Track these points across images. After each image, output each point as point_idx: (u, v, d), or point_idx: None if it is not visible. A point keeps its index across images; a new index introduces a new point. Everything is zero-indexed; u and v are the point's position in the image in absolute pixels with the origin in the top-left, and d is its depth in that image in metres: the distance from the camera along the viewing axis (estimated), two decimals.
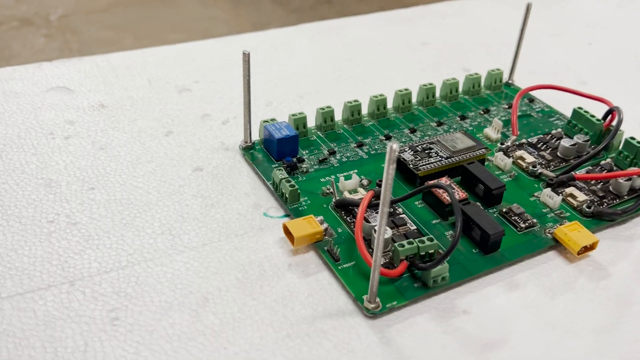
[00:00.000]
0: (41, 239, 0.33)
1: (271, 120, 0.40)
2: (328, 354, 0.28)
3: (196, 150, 0.40)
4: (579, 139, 0.40)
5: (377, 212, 0.34)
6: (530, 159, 0.39)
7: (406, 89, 0.44)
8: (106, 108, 0.44)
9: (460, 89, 0.47)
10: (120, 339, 0.28)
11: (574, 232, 0.34)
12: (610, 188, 0.37)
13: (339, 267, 0.32)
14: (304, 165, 0.39)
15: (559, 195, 0.36)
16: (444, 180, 0.36)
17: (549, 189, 0.37)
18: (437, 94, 0.46)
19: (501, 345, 0.29)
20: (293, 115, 0.41)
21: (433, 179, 0.37)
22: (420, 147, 0.39)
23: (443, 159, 0.38)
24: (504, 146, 0.41)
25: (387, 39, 0.56)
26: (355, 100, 0.43)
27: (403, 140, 0.41)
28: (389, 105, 0.44)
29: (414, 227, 0.34)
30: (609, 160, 0.40)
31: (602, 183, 0.38)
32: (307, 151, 0.40)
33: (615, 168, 0.39)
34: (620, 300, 0.31)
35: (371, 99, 0.43)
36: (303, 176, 0.38)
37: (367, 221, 0.33)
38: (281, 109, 0.45)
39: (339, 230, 0.34)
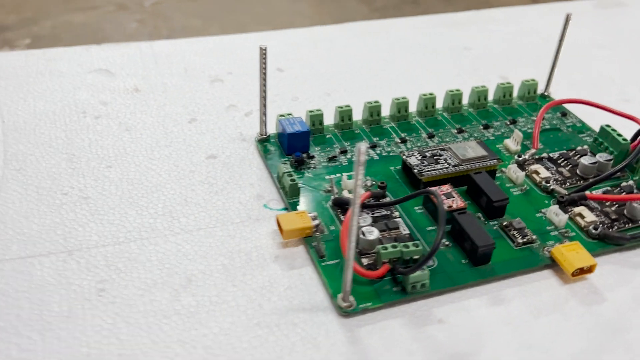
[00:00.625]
0: (52, 209, 0.35)
1: (287, 114, 0.41)
2: (293, 346, 0.28)
3: (214, 138, 0.41)
4: (601, 157, 0.39)
5: (368, 214, 0.35)
6: (545, 174, 0.38)
7: (431, 94, 0.44)
8: (139, 92, 0.46)
9: (491, 97, 0.46)
10: (101, 309, 0.29)
11: (571, 253, 0.32)
12: (625, 211, 0.36)
13: (322, 264, 0.32)
14: (312, 162, 0.39)
15: (567, 213, 0.35)
16: (446, 188, 0.35)
17: (556, 206, 0.35)
18: (466, 101, 0.45)
19: (469, 359, 0.28)
20: (310, 111, 0.41)
21: (437, 185, 0.36)
22: (429, 152, 0.38)
23: (450, 167, 0.37)
24: (520, 159, 0.40)
25: (430, 42, 0.56)
26: (375, 101, 0.43)
27: (419, 144, 0.41)
28: (412, 108, 0.44)
29: (407, 231, 0.34)
30: (631, 182, 0.38)
31: (617, 205, 0.36)
32: (319, 148, 0.40)
33: (635, 191, 0.37)
34: (609, 328, 0.30)
35: (393, 101, 0.43)
36: (309, 172, 0.38)
37: (376, 220, 0.34)
38: (305, 104, 0.46)
39: (332, 227, 0.34)
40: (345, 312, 0.30)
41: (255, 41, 0.54)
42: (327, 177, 0.38)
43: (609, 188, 0.38)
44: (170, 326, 0.29)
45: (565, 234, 0.34)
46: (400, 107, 0.43)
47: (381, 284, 0.31)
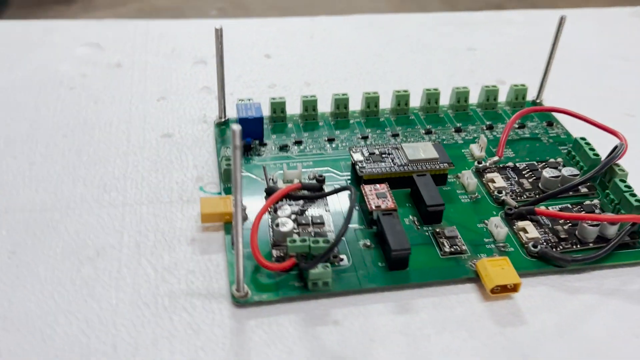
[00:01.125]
0: (4, 171, 0.36)
1: (247, 99, 0.40)
2: (173, 330, 0.28)
3: (177, 118, 0.41)
4: (566, 171, 0.35)
5: (291, 205, 0.33)
6: (500, 183, 0.35)
7: (405, 91, 0.42)
8: (121, 67, 0.46)
9: (477, 100, 0.43)
10: (4, 270, 0.30)
11: (496, 268, 0.30)
12: (576, 232, 0.33)
13: (232, 251, 0.31)
14: (263, 149, 0.38)
15: (512, 227, 0.33)
16: (382, 187, 0.34)
17: (498, 218, 0.33)
18: (448, 102, 0.43)
19: None
20: (272, 99, 0.41)
21: (378, 182, 0.35)
22: (379, 150, 0.36)
23: (394, 166, 0.35)
24: (480, 165, 0.37)
25: (433, 40, 0.53)
26: (343, 94, 0.41)
27: (380, 142, 0.39)
28: (387, 105, 0.42)
29: (332, 229, 0.33)
30: (595, 201, 0.35)
31: (570, 224, 0.33)
32: (275, 136, 0.39)
33: (597, 211, 0.34)
34: (516, 353, 0.27)
35: (364, 95, 0.42)
36: (256, 159, 0.38)
37: (302, 213, 0.32)
38: (281, 92, 0.45)
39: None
40: (238, 302, 0.29)
41: (252, 26, 0.54)
42: (272, 165, 0.37)
43: (569, 205, 0.35)
44: (62, 295, 0.29)
45: (503, 249, 0.32)
46: (370, 101, 0.41)
47: (286, 278, 0.30)
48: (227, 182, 0.35)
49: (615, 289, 0.31)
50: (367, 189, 0.33)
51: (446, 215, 0.34)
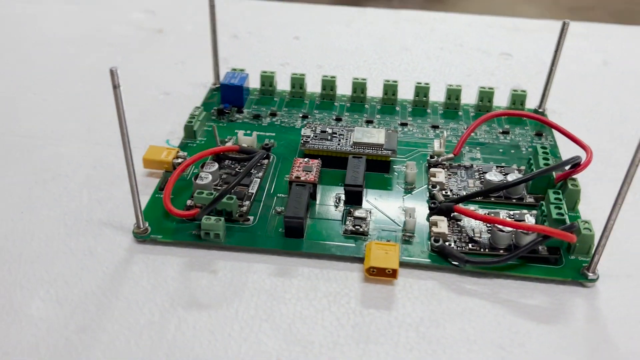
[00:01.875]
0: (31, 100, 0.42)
1: (240, 69, 0.43)
2: (73, 246, 0.31)
3: (183, 80, 0.45)
4: (511, 177, 0.34)
5: (233, 164, 0.35)
6: (440, 179, 0.35)
7: (394, 81, 0.42)
8: (161, 33, 0.51)
9: (473, 101, 0.42)
10: None
11: (380, 251, 0.30)
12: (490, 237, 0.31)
13: (156, 195, 0.34)
14: (238, 115, 0.41)
15: (427, 220, 0.32)
16: (313, 162, 0.35)
17: (414, 209, 0.32)
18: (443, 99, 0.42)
19: (202, 309, 0.28)
20: (263, 72, 0.43)
21: (317, 157, 0.36)
22: (331, 129, 0.37)
23: (336, 145, 0.36)
24: (433, 160, 0.36)
25: (471, 41, 0.52)
26: (332, 76, 0.42)
27: (350, 125, 0.40)
28: (375, 94, 0.43)
29: (254, 190, 0.34)
30: (534, 212, 0.33)
31: (489, 229, 0.32)
32: (257, 107, 0.42)
33: (529, 220, 0.32)
34: (362, 335, 0.27)
35: (353, 81, 0.42)
36: (225, 123, 0.40)
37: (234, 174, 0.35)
38: (289, 70, 0.47)
39: None
40: (136, 237, 0.32)
41: (291, 10, 0.56)
42: (237, 130, 0.39)
43: (509, 212, 0.33)
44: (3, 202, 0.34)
45: (407, 238, 0.32)
46: (357, 87, 0.42)
47: (189, 226, 0.32)
48: (188, 137, 0.38)
49: (506, 299, 0.29)
50: (298, 161, 0.35)
51: (371, 197, 0.34)
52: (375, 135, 0.37)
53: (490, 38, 0.53)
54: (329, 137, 0.37)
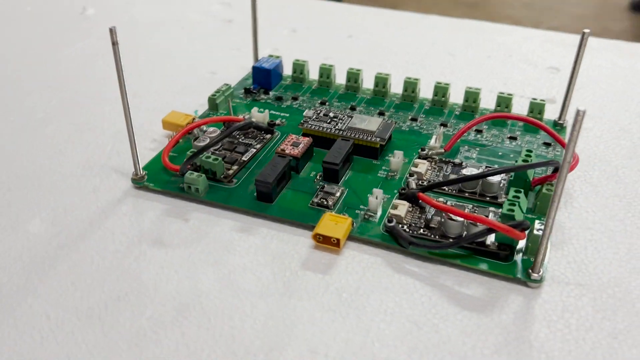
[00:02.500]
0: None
1: (276, 56, 0.46)
2: (77, 188, 0.36)
3: (232, 63, 0.49)
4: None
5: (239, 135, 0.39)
6: (421, 169, 0.36)
7: (416, 79, 0.43)
8: (231, 23, 0.56)
9: (491, 106, 0.42)
10: None
11: (331, 222, 0.32)
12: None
13: (171, 154, 0.38)
14: (263, 96, 0.44)
15: (393, 204, 0.34)
16: (303, 139, 0.37)
17: (380, 191, 0.34)
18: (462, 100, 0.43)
19: (162, 248, 0.32)
20: (296, 60, 0.46)
21: (316, 138, 0.38)
22: (333, 114, 0.39)
23: (332, 129, 0.38)
24: (423, 152, 0.37)
25: (505, 49, 0.51)
26: (357, 69, 0.45)
27: (365, 114, 0.42)
28: (399, 90, 0.44)
29: (247, 158, 0.37)
30: (498, 211, 0.33)
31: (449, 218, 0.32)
32: (284, 91, 0.45)
33: (493, 218, 0.32)
34: (293, 294, 0.29)
35: (376, 75, 0.44)
36: (249, 102, 0.44)
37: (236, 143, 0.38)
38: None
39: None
40: (133, 182, 0.36)
41: (351, 11, 0.59)
42: (259, 109, 0.42)
43: (470, 206, 0.33)
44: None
45: (366, 216, 0.33)
46: (379, 82, 0.44)
47: (180, 179, 0.36)
48: (211, 109, 0.42)
49: (441, 284, 0.30)
50: (290, 137, 0.37)
51: (352, 179, 0.36)
52: (371, 123, 0.38)
53: (544, 52, 0.52)
54: (328, 120, 0.39)
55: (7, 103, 0.45)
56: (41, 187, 0.36)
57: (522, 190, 0.32)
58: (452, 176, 0.36)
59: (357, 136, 0.38)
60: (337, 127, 0.38)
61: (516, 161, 0.36)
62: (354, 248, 0.32)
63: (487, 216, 0.32)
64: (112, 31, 0.31)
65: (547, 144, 0.39)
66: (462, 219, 0.31)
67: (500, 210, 0.33)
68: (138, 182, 0.36)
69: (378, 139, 0.37)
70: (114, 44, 0.31)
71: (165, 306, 0.29)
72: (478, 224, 0.30)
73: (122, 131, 0.41)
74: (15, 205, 0.35)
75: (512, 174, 0.34)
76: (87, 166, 0.38)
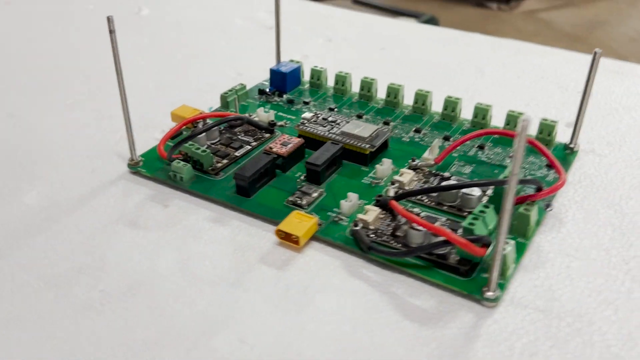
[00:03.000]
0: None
1: (297, 61, 0.47)
2: (78, 168, 0.38)
3: (260, 67, 0.50)
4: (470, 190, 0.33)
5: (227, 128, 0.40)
6: (404, 179, 0.35)
7: (427, 91, 0.43)
8: (271, 30, 0.58)
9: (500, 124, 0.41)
10: None
11: (295, 219, 0.32)
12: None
13: (170, 143, 0.40)
14: (277, 98, 0.45)
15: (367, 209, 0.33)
16: (293, 139, 0.37)
17: (356, 196, 0.33)
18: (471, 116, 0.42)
19: (135, 229, 0.33)
20: (314, 67, 0.46)
21: (308, 140, 0.38)
22: (330, 117, 0.40)
23: (325, 132, 0.38)
24: (414, 163, 0.37)
25: (522, 65, 0.49)
26: (372, 78, 0.44)
27: (371, 122, 0.42)
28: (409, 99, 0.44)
29: (240, 154, 0.38)
30: (463, 223, 0.31)
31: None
32: (297, 95, 0.46)
33: (460, 233, 0.31)
34: (240, 285, 0.30)
35: (389, 86, 0.44)
36: (262, 102, 0.45)
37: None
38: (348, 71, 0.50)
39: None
40: (128, 166, 0.38)
41: (385, 23, 0.59)
42: (265, 109, 0.43)
43: (442, 219, 0.32)
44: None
45: (336, 219, 0.33)
46: (391, 92, 0.44)
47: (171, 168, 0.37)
48: (223, 106, 0.44)
49: (392, 292, 0.29)
50: (282, 137, 0.38)
51: (336, 182, 0.36)
52: (365, 129, 0.38)
53: (579, 76, 0.49)
54: (325, 124, 0.39)
55: (47, 87, 0.48)
56: (48, 164, 0.39)
57: (493, 205, 0.31)
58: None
59: (348, 141, 0.37)
60: (331, 131, 0.38)
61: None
62: (316, 248, 0.32)
63: (456, 230, 0.31)
64: (110, 20, 0.33)
65: (549, 166, 0.37)
66: (424, 230, 0.30)
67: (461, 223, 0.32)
68: (133, 167, 0.38)
69: (367, 146, 0.37)
70: (111, 32, 0.33)
71: (119, 282, 0.30)
72: (439, 235, 0.30)
73: (136, 121, 0.43)
74: (19, 178, 0.37)
75: (493, 191, 0.33)
76: (94, 149, 0.40)
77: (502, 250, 0.27)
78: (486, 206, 0.31)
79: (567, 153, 0.39)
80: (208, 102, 0.45)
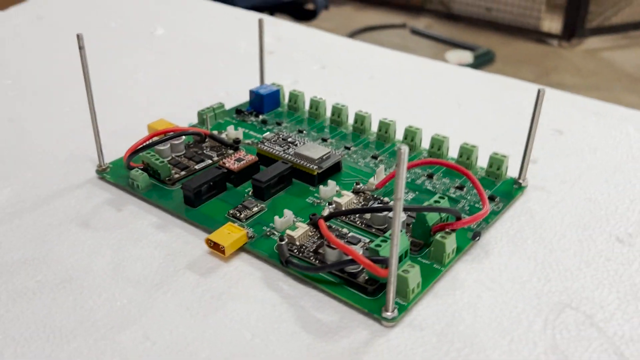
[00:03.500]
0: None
1: (278, 84, 0.49)
2: (52, 170, 0.42)
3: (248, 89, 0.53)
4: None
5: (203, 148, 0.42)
6: (342, 201, 0.36)
7: (391, 120, 0.44)
8: (272, 54, 0.60)
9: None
10: None
11: (225, 231, 0.34)
12: None
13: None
14: (252, 118, 0.47)
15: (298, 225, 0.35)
16: (249, 157, 0.40)
17: (290, 212, 0.35)
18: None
19: (85, 229, 0.36)
20: (293, 91, 0.49)
21: (266, 158, 0.40)
22: (291, 139, 0.42)
23: (280, 151, 0.40)
24: (358, 186, 0.38)
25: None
26: (342, 105, 0.46)
27: (334, 146, 0.43)
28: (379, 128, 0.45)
29: (199, 167, 0.40)
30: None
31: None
32: (274, 116, 0.48)
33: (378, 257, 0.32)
34: (160, 280, 0.32)
35: (356, 113, 0.45)
36: (237, 121, 0.47)
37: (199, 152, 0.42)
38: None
39: None
40: (96, 172, 0.41)
41: (374, 53, 0.60)
42: (239, 128, 0.46)
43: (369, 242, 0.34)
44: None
45: (268, 233, 0.35)
46: (358, 119, 0.45)
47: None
48: (200, 123, 0.46)
49: (298, 304, 0.31)
50: (239, 154, 0.40)
51: (281, 199, 0.38)
52: (317, 151, 0.40)
53: (558, 114, 0.50)
54: (283, 144, 0.41)
55: (51, 95, 0.52)
56: (27, 165, 0.42)
57: (404, 230, 0.32)
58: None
59: (298, 161, 0.39)
60: (286, 151, 0.40)
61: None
62: (243, 259, 0.34)
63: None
64: (79, 37, 0.36)
65: (492, 198, 0.38)
66: (338, 249, 0.32)
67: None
68: (99, 173, 0.41)
69: (315, 167, 0.39)
70: (81, 48, 0.37)
71: (55, 275, 0.33)
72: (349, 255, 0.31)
73: (118, 132, 0.46)
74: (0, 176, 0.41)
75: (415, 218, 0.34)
76: (73, 154, 0.44)
77: (395, 272, 0.28)
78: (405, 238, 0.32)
79: (514, 187, 0.40)
80: (190, 117, 0.48)
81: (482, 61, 1.92)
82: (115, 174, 0.41)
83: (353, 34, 2.08)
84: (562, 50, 2.07)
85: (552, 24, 2.10)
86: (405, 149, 0.25)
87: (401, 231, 0.32)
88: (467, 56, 1.95)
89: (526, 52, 2.06)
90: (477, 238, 0.35)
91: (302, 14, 1.77)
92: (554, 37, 2.08)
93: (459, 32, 2.18)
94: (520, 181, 0.40)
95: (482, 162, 0.41)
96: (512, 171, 0.40)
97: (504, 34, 2.17)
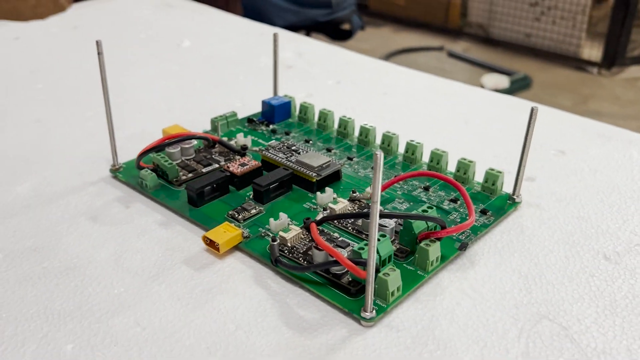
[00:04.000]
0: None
1: (290, 96, 0.51)
2: (69, 166, 0.44)
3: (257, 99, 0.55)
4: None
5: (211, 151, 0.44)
6: (336, 207, 0.38)
7: (394, 133, 0.45)
8: (291, 69, 0.63)
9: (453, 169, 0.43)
10: None
11: (221, 229, 0.36)
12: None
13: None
14: (263, 127, 0.49)
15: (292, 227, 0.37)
16: (252, 162, 0.41)
17: (285, 215, 0.37)
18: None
19: (92, 222, 0.38)
20: (303, 102, 0.50)
21: (269, 164, 0.42)
22: (295, 147, 0.43)
23: (283, 159, 0.42)
24: (354, 194, 0.40)
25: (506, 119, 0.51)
26: (349, 117, 0.48)
27: (338, 157, 0.45)
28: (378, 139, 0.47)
29: (206, 170, 0.43)
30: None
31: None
32: (283, 126, 0.50)
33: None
34: (156, 272, 0.34)
35: (362, 126, 0.47)
36: (248, 129, 0.49)
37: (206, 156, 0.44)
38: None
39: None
40: (110, 171, 0.43)
41: (384, 69, 0.62)
42: (253, 137, 0.48)
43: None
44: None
45: (263, 234, 0.36)
46: (363, 131, 0.47)
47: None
48: (212, 130, 0.49)
49: (285, 302, 0.32)
50: (244, 159, 0.42)
51: (280, 203, 0.40)
52: (317, 160, 0.42)
53: (563, 135, 0.50)
54: (286, 152, 0.43)
55: (77, 99, 0.55)
56: (49, 162, 0.45)
57: (388, 236, 0.33)
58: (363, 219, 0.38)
59: (298, 168, 0.41)
60: (289, 159, 0.42)
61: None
62: (237, 257, 0.36)
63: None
64: (98, 43, 0.39)
65: (484, 212, 0.39)
66: (324, 251, 0.33)
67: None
68: (113, 172, 0.43)
69: (314, 174, 0.40)
70: (99, 54, 0.39)
71: (60, 263, 0.35)
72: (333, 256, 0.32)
73: (135, 135, 0.49)
74: (20, 171, 0.44)
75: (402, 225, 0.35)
76: (91, 154, 0.46)
77: (373, 273, 0.30)
78: (383, 235, 0.33)
79: (508, 203, 0.40)
80: (206, 125, 0.50)
81: (519, 86, 1.91)
82: (127, 174, 0.43)
83: (389, 56, 2.10)
84: (602, 78, 2.05)
85: (592, 51, 2.08)
86: (380, 154, 0.27)
87: (386, 237, 0.33)
88: (504, 80, 1.94)
89: (564, 79, 2.04)
90: (464, 249, 0.36)
91: (338, 34, 1.80)
92: (594, 64, 2.06)
93: (497, 56, 2.18)
94: (514, 197, 0.41)
95: (481, 177, 0.42)
96: (510, 188, 0.41)
97: (542, 60, 2.17)
